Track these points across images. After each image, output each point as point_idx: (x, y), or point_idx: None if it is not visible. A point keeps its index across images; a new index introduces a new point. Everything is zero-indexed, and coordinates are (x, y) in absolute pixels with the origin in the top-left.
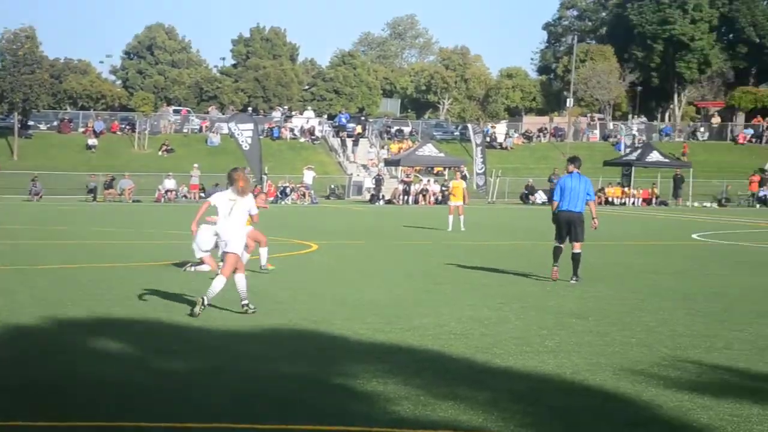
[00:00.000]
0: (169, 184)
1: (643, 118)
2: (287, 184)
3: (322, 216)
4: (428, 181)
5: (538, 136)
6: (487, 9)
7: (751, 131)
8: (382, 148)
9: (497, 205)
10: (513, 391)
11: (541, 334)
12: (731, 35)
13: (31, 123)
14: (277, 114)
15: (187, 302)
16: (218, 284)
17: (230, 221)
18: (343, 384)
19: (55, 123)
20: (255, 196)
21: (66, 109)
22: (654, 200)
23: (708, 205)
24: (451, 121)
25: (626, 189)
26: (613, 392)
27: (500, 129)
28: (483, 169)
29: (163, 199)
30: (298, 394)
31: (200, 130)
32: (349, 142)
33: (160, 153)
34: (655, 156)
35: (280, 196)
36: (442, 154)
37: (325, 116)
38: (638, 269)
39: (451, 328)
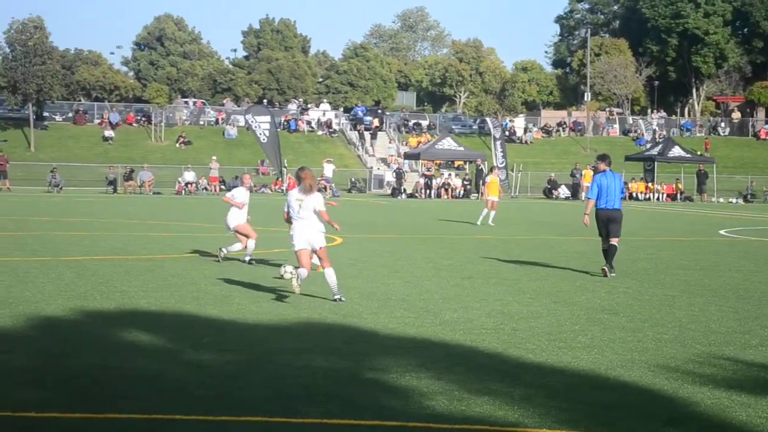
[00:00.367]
0: (189, 176)
1: (663, 113)
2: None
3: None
4: (449, 174)
5: (558, 131)
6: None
7: None
8: (403, 143)
9: (520, 200)
10: (548, 387)
11: (573, 330)
12: (746, 30)
13: (46, 114)
14: (292, 106)
15: (214, 294)
16: (331, 276)
17: (302, 220)
18: (376, 378)
19: (70, 114)
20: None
21: (80, 101)
22: (679, 196)
23: (733, 201)
24: (468, 114)
25: (650, 184)
26: (649, 389)
27: (518, 123)
28: (504, 163)
29: (183, 192)
30: (332, 388)
31: (216, 122)
32: (367, 135)
33: (177, 145)
34: (677, 151)
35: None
36: (461, 148)
37: (342, 109)
38: (667, 265)
39: (482, 323)
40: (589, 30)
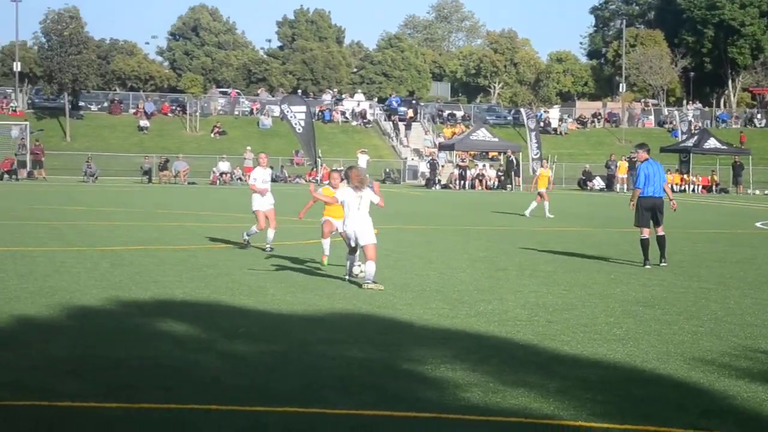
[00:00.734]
0: (224, 166)
1: (698, 104)
2: (342, 168)
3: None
4: (483, 165)
5: (593, 122)
6: None
7: None
8: (437, 135)
9: (555, 191)
10: (583, 379)
11: (608, 322)
12: None
13: (81, 104)
14: (327, 97)
15: (248, 285)
16: (370, 268)
17: (359, 216)
18: (411, 369)
19: (105, 104)
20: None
21: (115, 90)
22: (714, 187)
23: None
24: (503, 105)
25: (685, 176)
26: (685, 382)
27: (553, 114)
28: (538, 155)
29: (218, 182)
30: (367, 378)
31: (251, 112)
32: (401, 125)
33: (212, 135)
34: (712, 142)
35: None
36: (496, 139)
37: (376, 99)
38: (703, 257)
39: (516, 315)
40: (624, 21)
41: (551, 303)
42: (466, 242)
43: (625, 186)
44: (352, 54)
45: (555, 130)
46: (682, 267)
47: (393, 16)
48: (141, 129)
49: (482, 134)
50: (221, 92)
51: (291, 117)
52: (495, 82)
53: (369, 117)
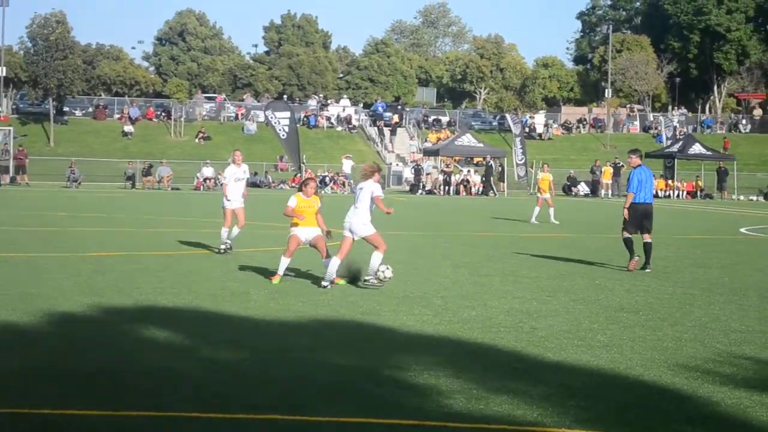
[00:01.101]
0: (208, 171)
1: (684, 110)
2: (326, 174)
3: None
4: (468, 171)
5: (578, 127)
6: None
7: None
8: (424, 141)
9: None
10: (567, 386)
11: (592, 329)
12: None
13: (66, 109)
14: (312, 102)
15: (231, 291)
16: (375, 260)
17: (355, 211)
18: (394, 376)
19: (90, 109)
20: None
21: (100, 95)
22: (699, 193)
23: (754, 198)
24: (488, 110)
25: (670, 181)
26: (669, 388)
27: (538, 119)
28: (523, 160)
29: (202, 187)
30: (350, 385)
31: (236, 117)
32: (386, 131)
33: (196, 140)
34: (697, 148)
35: (319, 185)
36: (481, 144)
37: (362, 105)
38: (687, 263)
39: (500, 321)
40: (610, 26)
41: (535, 309)
42: (450, 248)
43: (610, 192)
44: (339, 59)
45: (540, 135)
46: (666, 273)
47: (380, 21)
48: (125, 134)
49: (467, 140)
50: (207, 97)
51: (275, 123)
52: (481, 88)
53: (354, 122)
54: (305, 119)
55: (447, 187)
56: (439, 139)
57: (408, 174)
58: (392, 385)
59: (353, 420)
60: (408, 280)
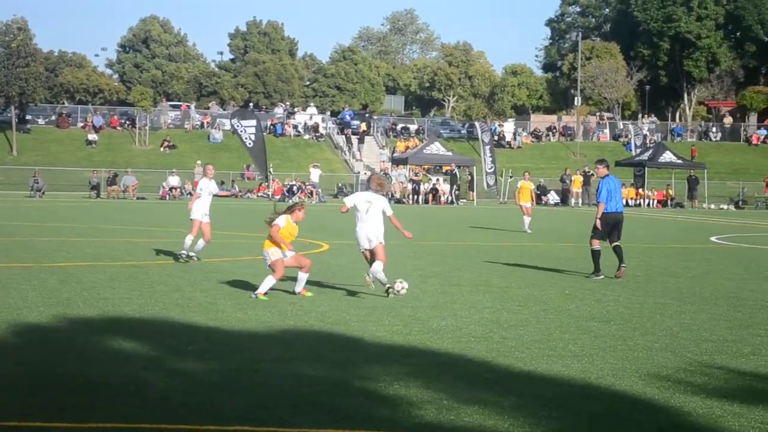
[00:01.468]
0: (173, 180)
1: (654, 118)
2: (294, 183)
3: (331, 215)
4: (437, 180)
5: (547, 135)
6: (487, 4)
7: (765, 132)
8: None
9: (509, 205)
10: (538, 396)
11: (563, 338)
12: (738, 33)
13: (28, 117)
14: (279, 110)
15: (199, 302)
16: (378, 268)
17: (368, 219)
18: (364, 387)
19: (53, 117)
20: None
21: (63, 103)
22: (669, 202)
23: (725, 207)
24: (457, 119)
25: (640, 190)
26: (641, 398)
27: (508, 127)
28: (493, 169)
29: (167, 197)
30: (319, 397)
31: (202, 126)
32: (354, 139)
33: (161, 149)
34: (668, 156)
35: (287, 194)
36: (450, 153)
37: (329, 113)
38: (658, 272)
39: (471, 331)
40: (579, 33)
41: (505, 319)
42: (418, 258)
43: (580, 200)
44: (305, 66)
45: (509, 144)
46: (637, 282)
47: (347, 28)
48: (89, 143)
49: (436, 148)
50: (172, 105)
51: (241, 131)
52: (449, 96)
53: (321, 131)
54: (272, 127)
55: (416, 196)
56: (407, 147)
57: None
58: (362, 396)
59: (325, 431)
60: (377, 290)
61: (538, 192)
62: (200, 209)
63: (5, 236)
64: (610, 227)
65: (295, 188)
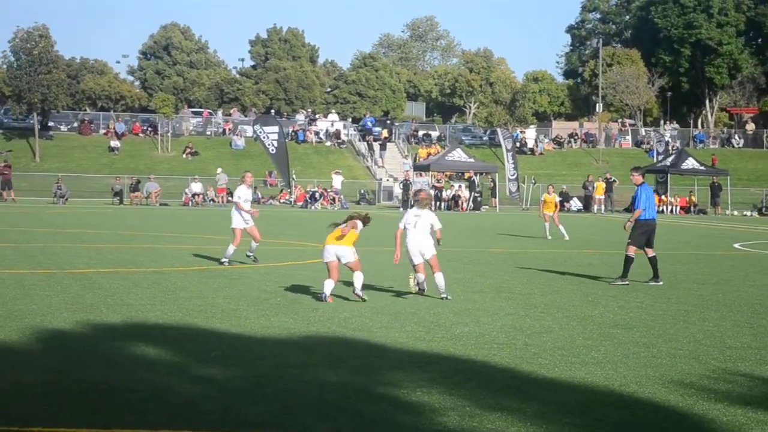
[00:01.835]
0: (196, 187)
1: (675, 124)
2: (316, 189)
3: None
4: (459, 186)
5: (569, 142)
6: (507, 11)
7: None
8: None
9: (532, 212)
10: (561, 403)
11: (586, 345)
12: (759, 40)
13: (51, 124)
14: (300, 117)
15: (222, 308)
16: (440, 279)
17: (417, 233)
18: (387, 393)
19: (76, 124)
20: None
21: (85, 110)
22: (692, 208)
23: (748, 213)
24: (478, 125)
25: (663, 197)
26: (664, 405)
27: (529, 134)
28: (515, 175)
29: (190, 203)
30: (343, 402)
31: (224, 132)
32: (376, 146)
33: (184, 156)
34: (691, 163)
35: (309, 200)
36: (471, 159)
37: (350, 119)
38: (681, 279)
39: (494, 338)
40: (600, 40)
41: (528, 326)
42: (441, 264)
43: (603, 207)
44: (326, 73)
45: (531, 150)
46: (660, 289)
47: (367, 35)
48: (112, 149)
49: (458, 155)
50: (193, 112)
51: (264, 137)
52: (470, 102)
53: (343, 137)
54: (293, 134)
55: (438, 203)
56: (429, 154)
57: (397, 190)
58: (385, 402)
59: None
60: (400, 296)
61: (561, 198)
62: (239, 217)
63: (29, 242)
64: (647, 234)
65: (317, 195)
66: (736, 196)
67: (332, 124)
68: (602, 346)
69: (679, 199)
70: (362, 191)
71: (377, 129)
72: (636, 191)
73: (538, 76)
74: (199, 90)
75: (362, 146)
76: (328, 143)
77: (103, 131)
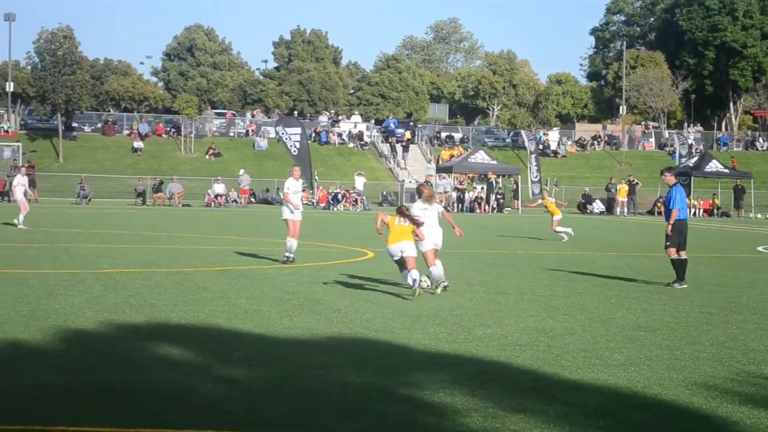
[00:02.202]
0: (219, 188)
1: (699, 127)
2: (338, 190)
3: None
4: (482, 188)
5: (592, 144)
6: (531, 13)
7: None
8: (433, 157)
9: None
10: (584, 405)
11: (609, 347)
12: None
13: (75, 125)
14: (323, 118)
15: (244, 308)
16: (438, 270)
17: (427, 227)
18: (409, 394)
19: (99, 125)
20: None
21: (109, 111)
22: (715, 211)
23: None
24: (501, 127)
25: (687, 199)
26: (687, 408)
27: (552, 136)
28: (538, 177)
29: (213, 204)
30: (365, 403)
31: (246, 133)
32: (399, 147)
33: (207, 157)
34: (714, 165)
35: (331, 202)
36: (494, 161)
37: (373, 121)
38: (704, 281)
39: (516, 339)
40: (624, 42)
41: (551, 328)
42: (463, 266)
43: (625, 209)
44: (349, 75)
45: (554, 152)
46: (683, 291)
47: (391, 37)
48: (135, 150)
49: (481, 156)
50: (216, 113)
51: (286, 139)
52: (494, 104)
53: (366, 139)
54: (316, 135)
55: (461, 205)
56: (452, 155)
57: None
58: (408, 404)
59: None
60: (422, 297)
61: (584, 200)
62: (288, 209)
63: (52, 242)
64: (684, 234)
65: (339, 196)
66: (759, 198)
67: (355, 126)
68: (625, 349)
69: (702, 202)
70: (384, 193)
71: (400, 131)
72: (669, 192)
73: (561, 79)
74: (223, 91)
75: (385, 148)
76: (351, 145)
77: (127, 132)
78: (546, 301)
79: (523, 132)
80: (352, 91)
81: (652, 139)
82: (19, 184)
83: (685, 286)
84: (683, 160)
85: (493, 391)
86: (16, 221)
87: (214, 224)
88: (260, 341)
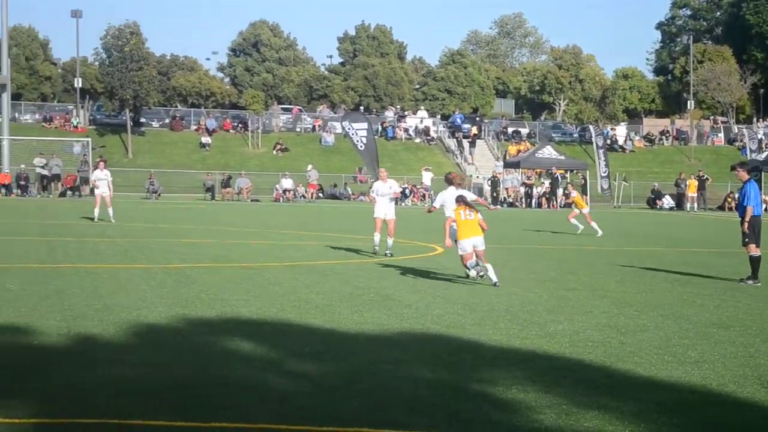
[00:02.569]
0: (287, 183)
1: None
2: (406, 186)
3: (444, 218)
4: (549, 184)
5: (660, 139)
6: (596, 7)
7: None
8: (500, 152)
9: (623, 210)
10: (659, 403)
11: (682, 344)
12: None
13: (143, 120)
14: (389, 113)
15: (315, 303)
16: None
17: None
18: (481, 390)
19: (167, 120)
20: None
21: (176, 107)
22: None
23: None
24: (568, 122)
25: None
26: (763, 405)
27: (620, 131)
28: (607, 173)
29: (281, 199)
30: (437, 399)
31: (313, 129)
32: (465, 143)
33: (274, 152)
34: None
35: (399, 197)
36: (562, 157)
37: (439, 116)
38: None
39: (588, 336)
40: (691, 37)
41: (623, 324)
42: (532, 262)
43: (696, 205)
44: (414, 70)
45: (622, 147)
46: (757, 288)
47: (455, 32)
48: (203, 146)
49: (548, 152)
50: (283, 109)
51: (352, 134)
52: (560, 99)
53: (432, 134)
54: (383, 131)
55: (529, 200)
56: (519, 151)
57: (487, 187)
58: (480, 400)
59: None
60: (492, 293)
61: (653, 196)
62: (380, 209)
63: (123, 237)
64: (761, 231)
65: (407, 191)
66: None
67: (421, 121)
68: (699, 345)
69: None
70: None
71: (466, 126)
72: (743, 188)
73: (627, 73)
74: (288, 87)
75: (452, 143)
76: (418, 140)
77: (194, 127)
78: (617, 297)
79: (591, 127)
80: (417, 87)
81: (721, 134)
82: (107, 178)
83: (759, 283)
84: (753, 155)
85: (567, 388)
86: (107, 217)
87: (283, 219)
88: (331, 336)
